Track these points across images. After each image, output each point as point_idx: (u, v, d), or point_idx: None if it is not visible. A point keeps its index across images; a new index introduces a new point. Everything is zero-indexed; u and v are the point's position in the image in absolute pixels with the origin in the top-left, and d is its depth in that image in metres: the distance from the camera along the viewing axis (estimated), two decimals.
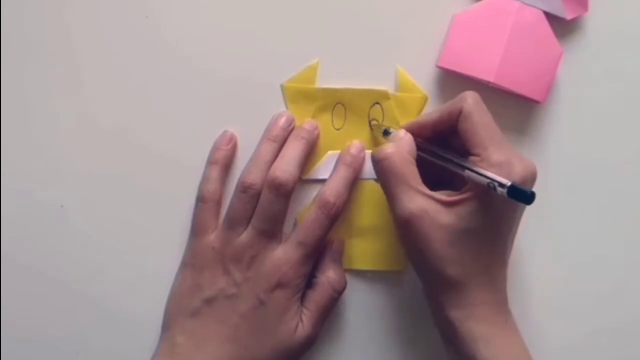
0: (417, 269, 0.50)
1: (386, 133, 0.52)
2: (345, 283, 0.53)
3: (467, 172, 0.47)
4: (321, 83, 0.54)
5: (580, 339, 0.55)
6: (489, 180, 0.45)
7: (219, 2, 0.54)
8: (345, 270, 0.54)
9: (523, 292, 0.55)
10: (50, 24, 0.54)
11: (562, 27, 0.53)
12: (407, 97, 0.54)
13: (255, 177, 0.52)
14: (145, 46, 0.54)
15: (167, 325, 0.52)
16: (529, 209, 0.54)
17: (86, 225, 0.55)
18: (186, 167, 0.54)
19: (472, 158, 0.48)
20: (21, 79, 0.54)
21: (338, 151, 0.54)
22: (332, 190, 0.52)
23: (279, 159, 0.52)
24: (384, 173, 0.49)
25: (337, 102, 0.54)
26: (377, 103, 0.54)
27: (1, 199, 0.54)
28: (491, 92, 0.54)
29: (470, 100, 0.49)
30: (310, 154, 0.53)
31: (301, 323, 0.51)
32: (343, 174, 0.52)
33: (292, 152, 0.52)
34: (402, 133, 0.50)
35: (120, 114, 0.54)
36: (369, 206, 0.54)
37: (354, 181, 0.53)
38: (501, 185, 0.44)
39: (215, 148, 0.54)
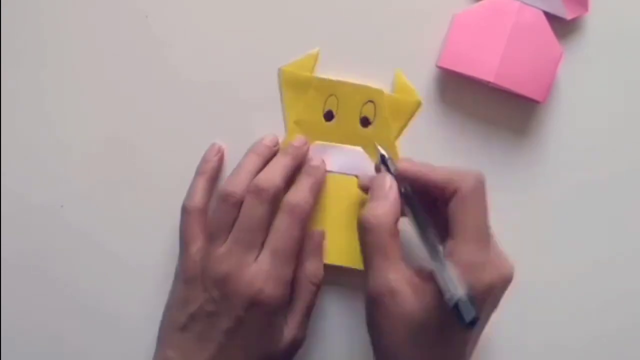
0: (374, 346, 0.48)
1: (383, 161, 0.50)
2: (322, 274, 0.52)
3: (432, 262, 0.45)
4: (319, 74, 0.54)
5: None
6: (442, 284, 0.44)
7: (215, 5, 0.54)
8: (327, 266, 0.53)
9: (518, 294, 0.55)
10: (50, 27, 0.54)
11: (562, 27, 0.53)
12: (401, 100, 0.54)
13: (234, 186, 0.50)
14: (143, 52, 0.54)
15: (160, 337, 0.52)
16: (528, 209, 0.55)
17: (86, 225, 0.55)
18: (185, 169, 0.54)
19: (450, 242, 0.46)
20: (21, 80, 0.54)
21: (324, 142, 0.53)
22: (297, 194, 0.51)
23: (263, 170, 0.51)
24: (366, 243, 0.47)
25: (330, 94, 0.54)
26: (371, 101, 0.54)
27: (1, 199, 0.54)
28: (491, 92, 0.54)
29: (471, 184, 0.46)
30: (296, 170, 0.52)
31: (287, 327, 0.51)
32: (305, 179, 0.52)
33: (277, 165, 0.51)
34: (387, 186, 0.48)
35: (120, 114, 0.54)
36: (346, 200, 0.53)
37: (318, 186, 0.52)
38: (449, 294, 0.43)
39: (202, 160, 0.53)
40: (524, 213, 0.55)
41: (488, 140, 0.54)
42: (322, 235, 0.53)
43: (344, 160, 0.54)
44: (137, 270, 0.55)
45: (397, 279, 0.46)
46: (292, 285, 0.52)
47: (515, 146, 0.55)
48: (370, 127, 0.54)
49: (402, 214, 0.48)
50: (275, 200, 0.50)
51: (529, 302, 0.55)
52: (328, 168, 0.53)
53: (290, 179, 0.52)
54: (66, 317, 0.55)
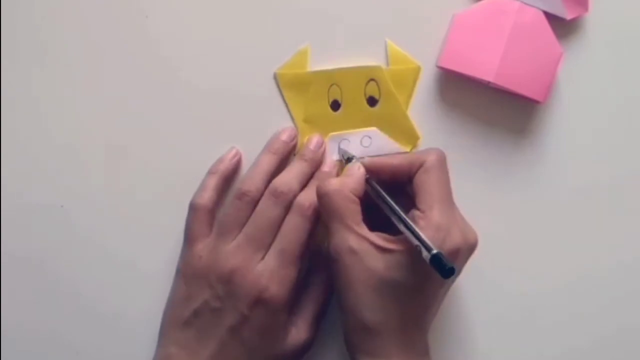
0: (339, 307, 0.49)
1: (348, 160, 0.52)
2: None
3: (402, 226, 0.47)
4: (314, 68, 0.54)
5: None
6: (417, 243, 0.45)
7: (216, 4, 0.54)
8: None
9: (518, 293, 0.55)
10: (49, 28, 0.54)
11: (562, 27, 0.53)
12: (401, 70, 0.54)
13: (251, 185, 0.51)
14: (143, 52, 0.54)
15: (162, 333, 0.52)
16: (528, 209, 0.55)
17: (86, 225, 0.55)
18: (185, 169, 0.54)
19: (415, 213, 0.48)
20: (21, 80, 0.54)
21: (339, 132, 0.54)
22: (307, 194, 0.51)
23: (282, 173, 0.52)
24: (323, 208, 0.49)
25: (331, 84, 0.54)
26: (372, 80, 0.54)
27: (1, 199, 0.54)
28: (491, 92, 0.54)
29: (434, 157, 0.49)
30: (313, 173, 0.53)
31: (295, 328, 0.51)
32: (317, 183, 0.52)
33: (297, 169, 0.52)
34: (356, 168, 0.50)
35: (120, 114, 0.54)
36: None
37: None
38: (427, 249, 0.44)
39: (218, 160, 0.53)
40: (523, 213, 0.55)
41: (488, 140, 0.54)
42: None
43: (363, 145, 0.54)
44: (137, 270, 0.55)
45: (357, 240, 0.47)
46: (305, 288, 0.52)
47: (515, 146, 0.55)
48: (378, 105, 0.54)
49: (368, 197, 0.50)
50: (289, 205, 0.51)
51: (529, 302, 0.55)
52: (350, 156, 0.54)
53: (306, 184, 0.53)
54: (66, 317, 0.55)
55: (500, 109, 0.54)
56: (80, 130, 0.54)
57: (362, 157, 0.52)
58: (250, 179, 0.52)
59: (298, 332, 0.51)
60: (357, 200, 0.49)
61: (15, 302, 0.55)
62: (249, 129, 0.54)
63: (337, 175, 0.53)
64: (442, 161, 0.49)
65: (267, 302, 0.49)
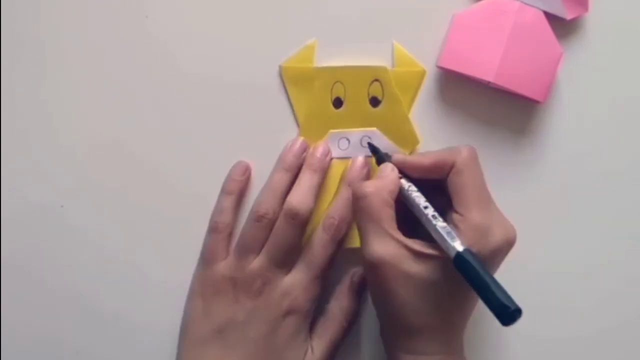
0: (377, 309, 0.49)
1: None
2: (357, 314, 0.53)
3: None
4: (318, 65, 0.54)
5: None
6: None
7: (215, 4, 0.54)
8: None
9: (518, 292, 0.55)
10: (49, 27, 0.54)
11: (562, 27, 0.53)
12: (406, 72, 0.54)
13: (268, 207, 0.51)
14: (143, 52, 0.54)
15: (180, 353, 0.52)
16: (528, 209, 0.55)
17: (86, 225, 0.54)
18: (185, 169, 0.54)
19: (454, 216, 0.47)
20: (21, 79, 0.54)
21: (339, 130, 0.54)
22: (336, 212, 0.52)
23: (295, 188, 0.52)
24: (359, 211, 0.48)
25: (335, 81, 0.54)
26: (376, 80, 0.54)
27: (1, 199, 0.54)
28: (491, 92, 0.54)
29: (465, 154, 0.48)
30: (323, 182, 0.53)
31: (311, 352, 0.51)
32: (346, 195, 0.52)
33: (308, 182, 0.52)
34: (389, 170, 0.49)
35: (120, 115, 0.54)
36: None
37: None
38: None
39: (229, 178, 0.53)
40: (523, 213, 0.54)
41: (488, 140, 0.54)
42: (363, 277, 0.53)
43: (362, 145, 0.54)
44: (137, 270, 0.54)
45: (395, 245, 0.47)
46: (327, 315, 0.53)
47: (515, 146, 0.55)
48: (380, 106, 0.54)
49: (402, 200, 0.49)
50: (307, 221, 0.51)
51: (529, 300, 0.55)
52: (346, 155, 0.54)
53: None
54: (66, 317, 0.55)
55: (500, 109, 0.54)
56: (80, 130, 0.54)
57: (389, 155, 0.51)
58: (266, 202, 0.52)
59: (313, 356, 0.51)
60: (393, 204, 0.48)
61: (15, 302, 0.55)
62: (253, 123, 0.54)
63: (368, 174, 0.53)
64: (473, 159, 0.48)
65: (295, 312, 0.50)
